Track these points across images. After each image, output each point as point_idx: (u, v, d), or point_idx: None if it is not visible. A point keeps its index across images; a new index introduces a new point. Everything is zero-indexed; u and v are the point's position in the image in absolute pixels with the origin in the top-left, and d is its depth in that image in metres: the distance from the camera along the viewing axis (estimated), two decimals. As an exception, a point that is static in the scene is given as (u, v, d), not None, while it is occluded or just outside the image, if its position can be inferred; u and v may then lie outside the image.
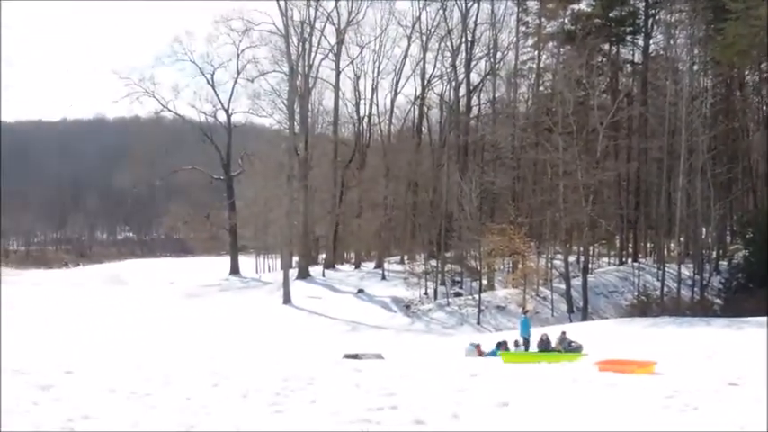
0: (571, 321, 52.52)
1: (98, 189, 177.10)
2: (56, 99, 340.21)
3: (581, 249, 62.52)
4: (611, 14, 72.01)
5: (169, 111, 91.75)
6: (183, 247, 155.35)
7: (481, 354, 32.36)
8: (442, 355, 32.19)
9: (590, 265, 61.92)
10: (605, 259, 71.69)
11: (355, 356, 29.85)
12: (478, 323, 55.17)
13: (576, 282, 58.80)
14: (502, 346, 32.87)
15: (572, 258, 61.93)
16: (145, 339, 46.82)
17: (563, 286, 58.57)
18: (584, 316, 54.92)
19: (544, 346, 30.71)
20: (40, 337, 46.45)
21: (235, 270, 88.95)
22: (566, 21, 74.32)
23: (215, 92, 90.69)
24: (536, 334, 33.02)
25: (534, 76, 77.13)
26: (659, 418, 11.79)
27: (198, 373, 17.09)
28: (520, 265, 59.90)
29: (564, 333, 31.20)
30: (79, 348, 36.22)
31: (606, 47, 73.56)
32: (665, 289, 56.31)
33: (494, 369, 20.00)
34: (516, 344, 33.47)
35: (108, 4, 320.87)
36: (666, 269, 58.29)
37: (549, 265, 61.92)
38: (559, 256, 62.45)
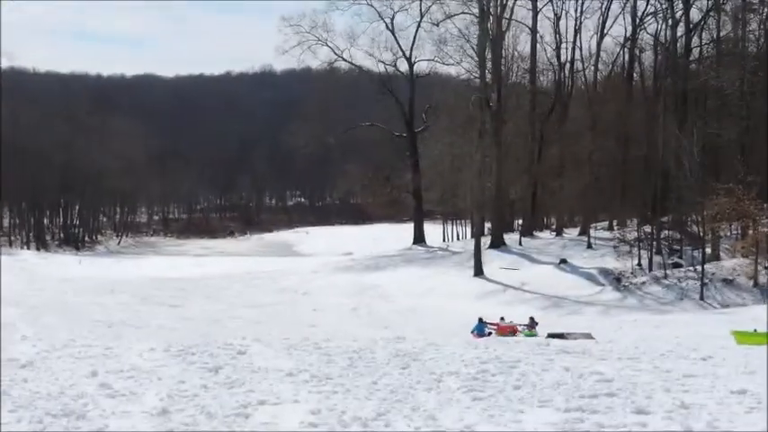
0: (813, 295, 51.89)
1: (265, 150, 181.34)
2: (218, 50, 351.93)
3: (823, 211, 61.11)
4: None
5: (344, 61, 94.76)
6: (360, 214, 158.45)
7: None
8: (661, 335, 32.82)
9: (835, 230, 60.53)
10: None
11: (561, 336, 31.07)
12: (701, 299, 54.72)
13: (819, 249, 57.61)
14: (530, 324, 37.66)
15: (813, 222, 60.60)
16: (322, 317, 48.91)
17: (802, 254, 57.54)
18: (829, 288, 53.98)
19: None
20: (206, 314, 48.10)
21: (419, 239, 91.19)
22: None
23: (395, 38, 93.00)
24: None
25: (766, 10, 75.26)
26: None
27: (385, 356, 17.30)
28: (750, 231, 59.11)
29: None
30: (251, 327, 37.82)
31: None
32: None
33: (727, 352, 20.05)
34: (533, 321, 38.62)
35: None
36: None
37: (786, 230, 60.87)
38: (797, 219, 61.31)
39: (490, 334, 35.92)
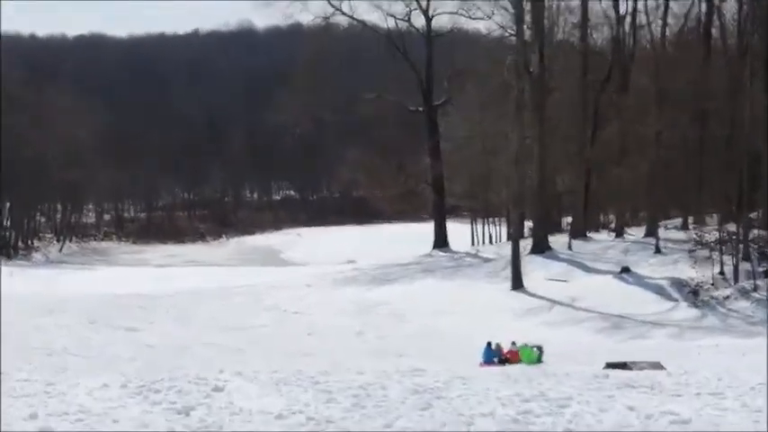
0: None
1: (244, 130, 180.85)
2: (183, 3, 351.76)
3: None
4: None
5: (343, 15, 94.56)
6: (365, 211, 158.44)
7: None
8: (750, 364, 32.66)
9: None
10: None
11: (623, 366, 31.21)
12: (798, 317, 54.72)
13: None
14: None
15: None
16: (319, 344, 49.44)
17: None
18: None
19: None
20: (172, 340, 48.99)
21: (441, 242, 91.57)
22: None
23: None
24: None
25: None
26: None
27: (399, 393, 17.24)
28: None
29: None
30: (229, 357, 37.96)
31: None
32: None
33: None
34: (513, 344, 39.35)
35: None
36: None
37: None
38: None
39: (505, 361, 36.84)
